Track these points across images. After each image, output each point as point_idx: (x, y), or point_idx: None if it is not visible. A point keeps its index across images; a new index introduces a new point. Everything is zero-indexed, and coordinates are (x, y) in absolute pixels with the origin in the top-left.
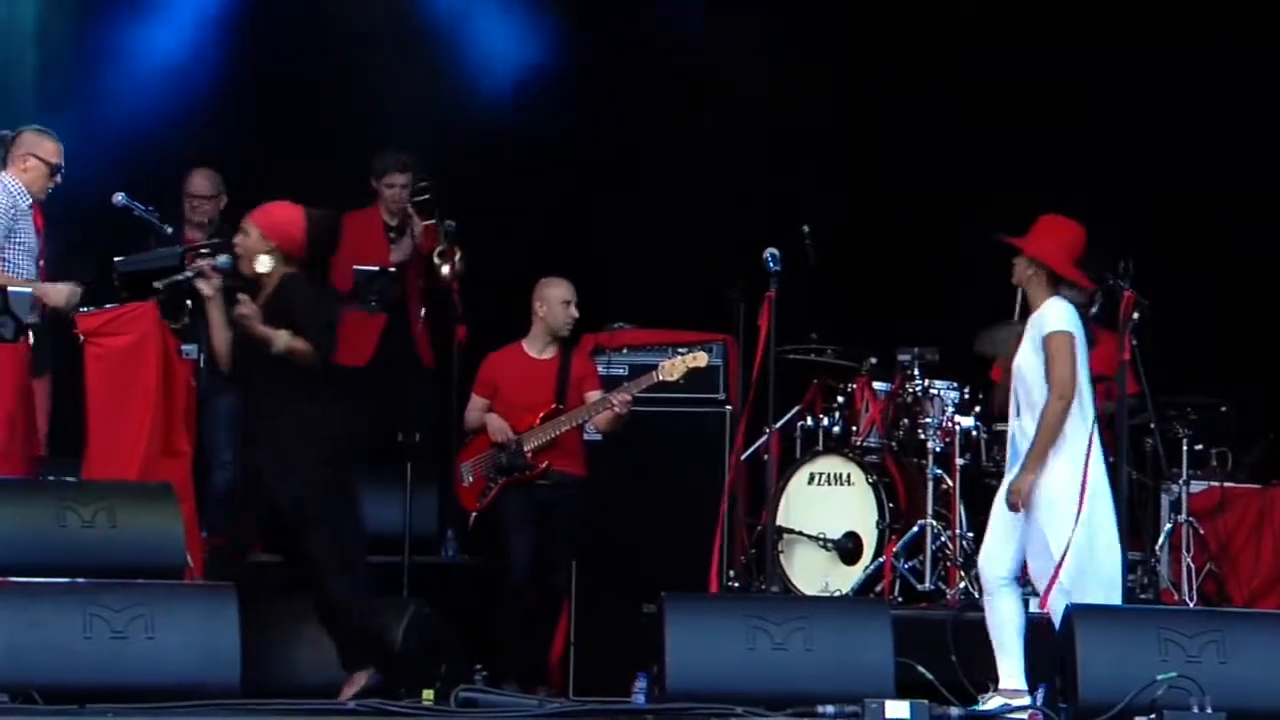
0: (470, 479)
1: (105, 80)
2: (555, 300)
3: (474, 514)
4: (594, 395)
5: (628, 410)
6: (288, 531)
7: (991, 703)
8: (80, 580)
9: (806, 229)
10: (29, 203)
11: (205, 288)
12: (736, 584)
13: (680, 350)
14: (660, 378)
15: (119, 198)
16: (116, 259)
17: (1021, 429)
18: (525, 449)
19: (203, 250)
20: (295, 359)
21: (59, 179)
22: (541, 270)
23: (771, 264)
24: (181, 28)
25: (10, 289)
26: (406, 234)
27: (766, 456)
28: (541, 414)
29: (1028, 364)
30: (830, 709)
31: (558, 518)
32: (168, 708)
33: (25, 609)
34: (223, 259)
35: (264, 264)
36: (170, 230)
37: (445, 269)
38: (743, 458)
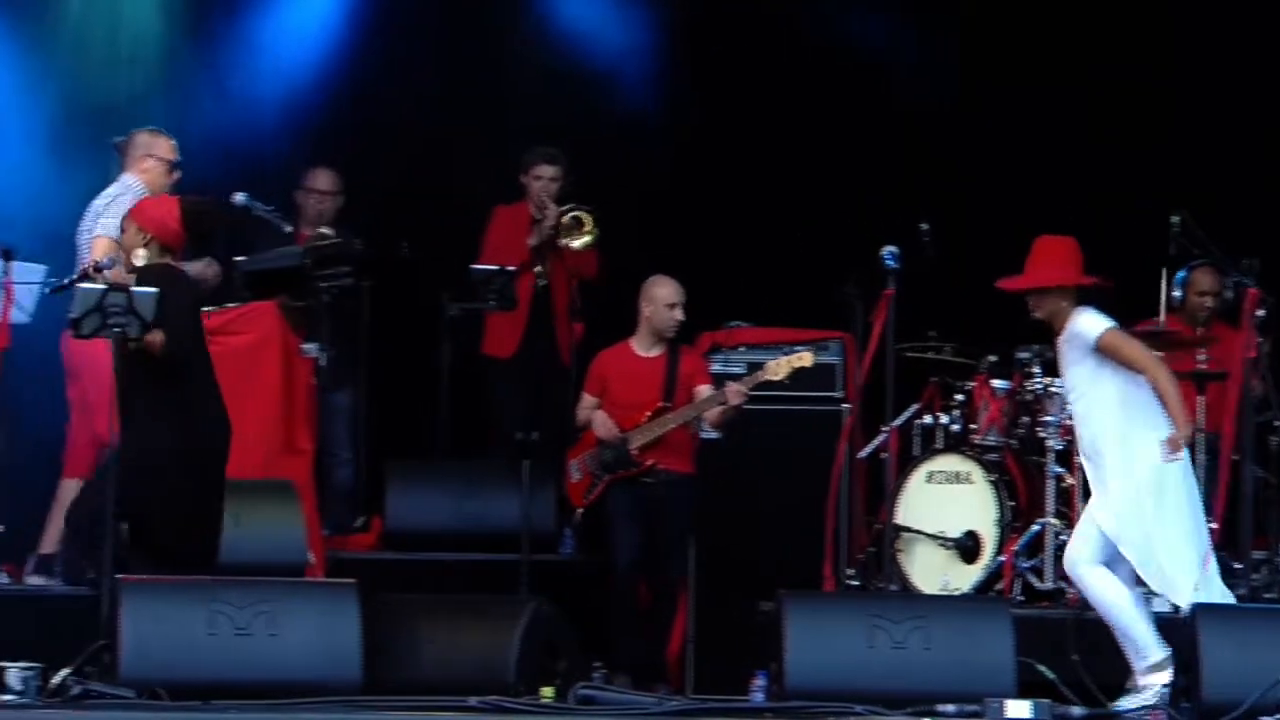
0: (578, 475)
1: (222, 81)
2: (660, 301)
3: (580, 510)
4: (703, 391)
5: (739, 407)
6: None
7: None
8: (204, 577)
9: (924, 226)
10: None
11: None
12: (855, 582)
13: (785, 350)
14: (766, 377)
15: (240, 197)
16: (238, 259)
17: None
18: (631, 446)
19: (326, 247)
20: (148, 349)
21: (177, 175)
22: (659, 267)
23: (889, 261)
24: (297, 28)
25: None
26: (541, 224)
27: (885, 455)
28: (649, 412)
29: (1075, 385)
30: (950, 708)
31: (664, 515)
32: (290, 704)
33: (151, 606)
34: (107, 258)
35: (140, 257)
36: (290, 230)
37: (575, 243)
38: (860, 456)
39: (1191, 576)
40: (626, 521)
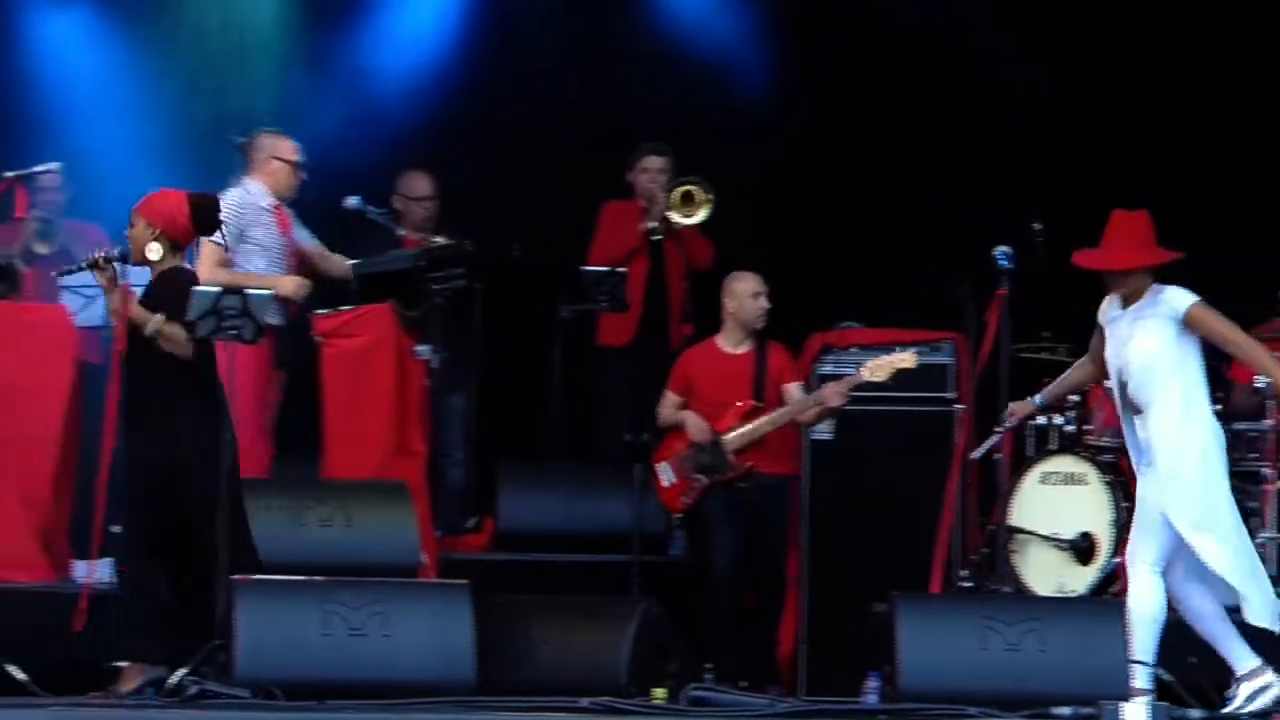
0: (672, 479)
1: (334, 83)
2: (744, 294)
3: (678, 515)
4: (792, 388)
5: (838, 407)
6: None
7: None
8: (318, 578)
9: (1037, 226)
10: (270, 204)
11: (101, 279)
12: (969, 584)
13: (884, 352)
14: (866, 378)
15: (352, 201)
16: (352, 262)
17: (1143, 424)
18: (727, 450)
19: (438, 250)
20: (167, 346)
21: (302, 175)
22: (769, 266)
23: (1002, 261)
24: (409, 30)
25: (249, 291)
26: (653, 217)
27: (998, 456)
28: (741, 413)
29: (1151, 351)
30: (1065, 711)
31: (764, 517)
32: (404, 704)
33: (266, 606)
34: (115, 249)
35: (154, 251)
36: (403, 233)
37: (690, 219)
38: (974, 456)
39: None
40: (724, 525)
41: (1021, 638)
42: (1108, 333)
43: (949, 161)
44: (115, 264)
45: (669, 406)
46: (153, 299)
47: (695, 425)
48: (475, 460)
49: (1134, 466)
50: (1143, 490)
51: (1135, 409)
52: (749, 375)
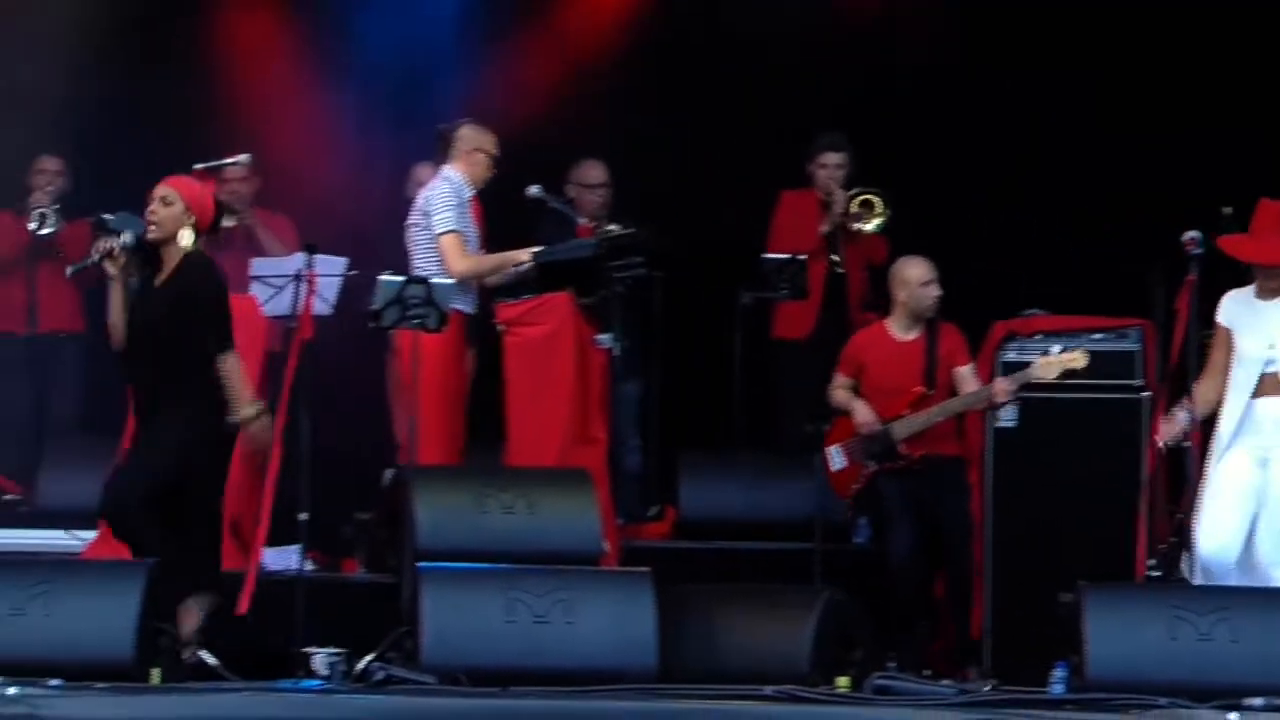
0: (843, 464)
1: (511, 70)
2: (915, 282)
3: (848, 501)
4: (963, 370)
5: (1003, 404)
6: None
7: None
8: (501, 565)
9: (1227, 210)
10: (470, 194)
11: (111, 268)
12: (1157, 573)
13: (1082, 338)
14: (1035, 376)
15: (534, 189)
16: (534, 250)
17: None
18: (897, 439)
19: (619, 238)
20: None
21: (495, 170)
22: (950, 254)
23: (1193, 247)
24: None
25: (433, 279)
26: (831, 210)
27: (1187, 444)
28: (910, 400)
29: None
30: (1258, 701)
31: (941, 502)
32: (587, 691)
33: (451, 594)
34: (127, 237)
35: (187, 237)
36: (583, 221)
37: (867, 226)
38: (1162, 445)
39: None
40: (901, 514)
41: (1212, 627)
42: (1240, 324)
43: (1139, 143)
44: (128, 249)
45: (840, 389)
46: (181, 287)
47: (863, 415)
48: (655, 448)
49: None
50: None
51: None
52: (919, 361)
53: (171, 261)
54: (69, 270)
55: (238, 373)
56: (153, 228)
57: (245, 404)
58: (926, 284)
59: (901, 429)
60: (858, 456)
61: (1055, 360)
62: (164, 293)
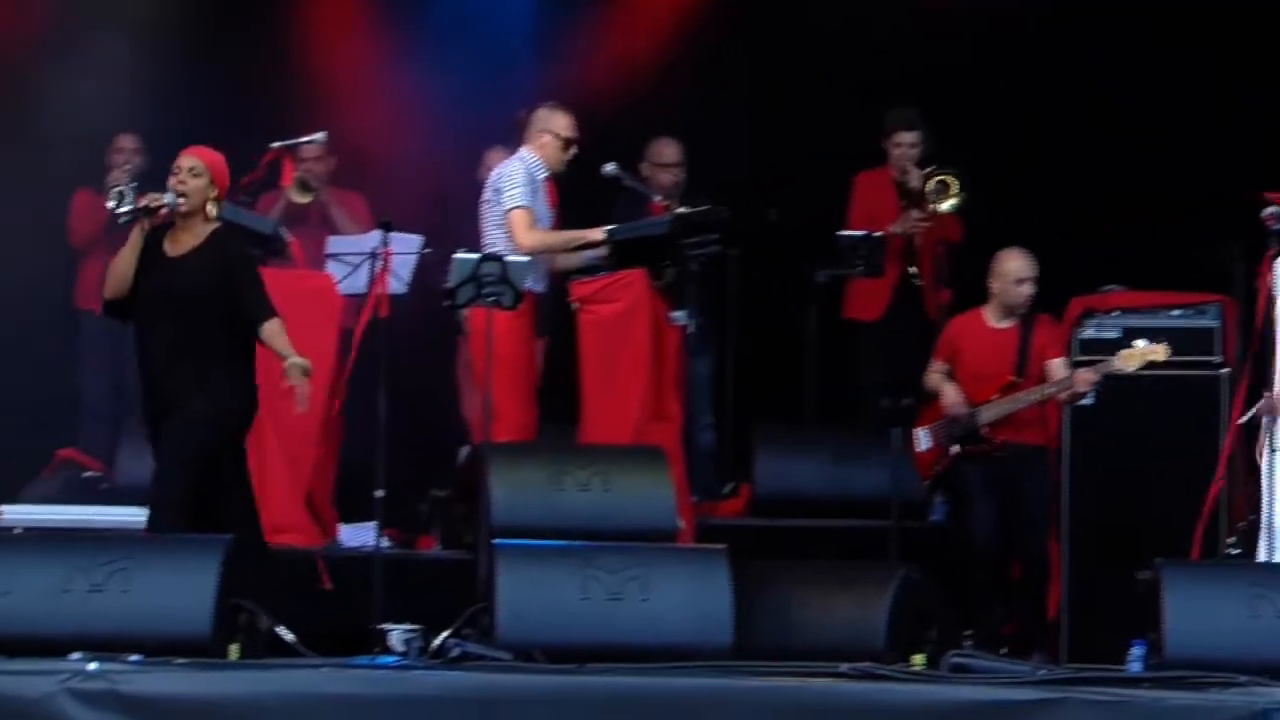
0: (927, 444)
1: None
2: (1009, 277)
3: (927, 482)
4: (1056, 363)
5: (1084, 393)
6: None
7: None
8: (576, 543)
9: None
10: (543, 175)
11: (145, 222)
12: (1236, 551)
13: (1148, 315)
14: (1117, 367)
15: (609, 167)
16: (609, 228)
17: None
18: (981, 422)
19: (693, 216)
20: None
21: (574, 151)
22: (1028, 231)
23: (1274, 223)
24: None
25: (508, 258)
26: (910, 190)
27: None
28: (999, 387)
29: None
30: None
31: (1020, 488)
32: (662, 668)
33: (526, 570)
34: (169, 197)
35: (214, 208)
36: (657, 199)
37: (942, 206)
38: (1240, 422)
39: None
40: (982, 497)
41: None
42: None
43: (1220, 118)
44: (172, 210)
45: (934, 374)
46: (222, 258)
47: (951, 397)
48: (729, 425)
49: None
50: None
51: None
52: (1012, 350)
53: (196, 232)
54: (110, 205)
55: (283, 331)
56: (183, 199)
57: (294, 354)
58: (1021, 281)
59: (987, 413)
60: (942, 438)
61: (1137, 353)
62: (198, 263)
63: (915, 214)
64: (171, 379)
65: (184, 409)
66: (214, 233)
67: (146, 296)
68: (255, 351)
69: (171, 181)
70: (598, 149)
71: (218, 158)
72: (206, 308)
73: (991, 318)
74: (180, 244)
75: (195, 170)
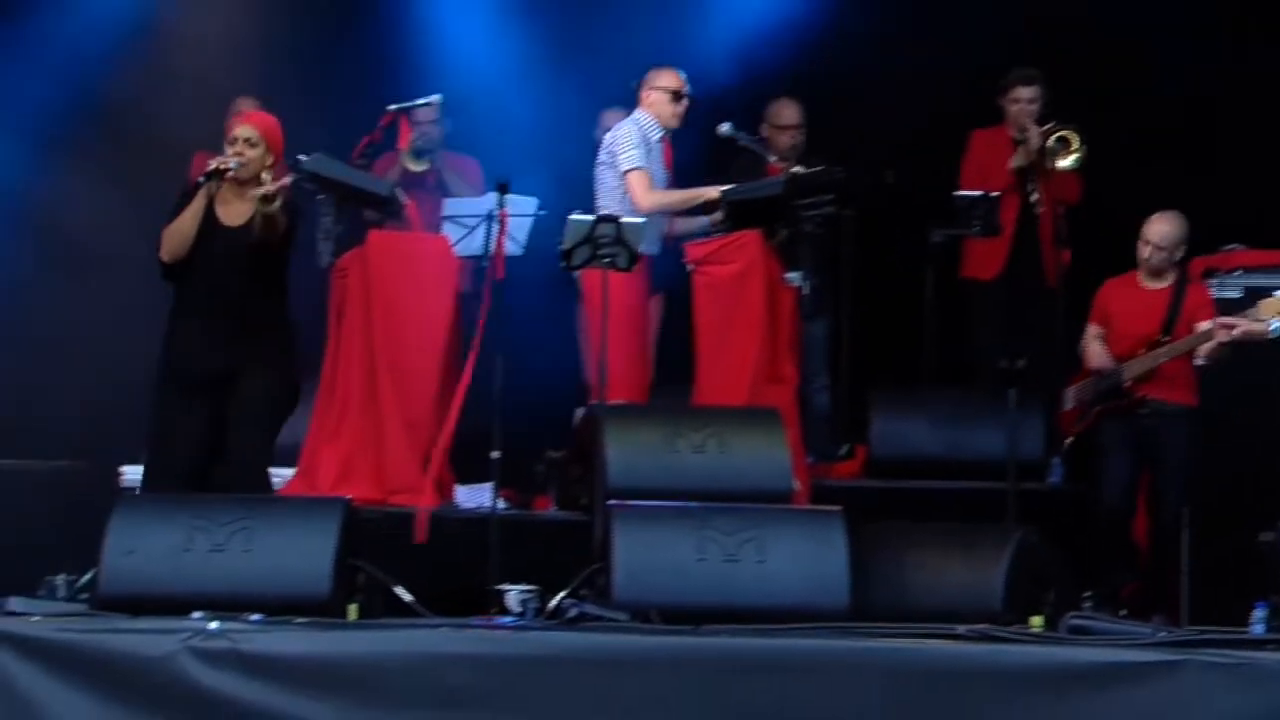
0: (1070, 404)
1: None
2: (1151, 241)
3: (1069, 439)
4: (1204, 325)
5: (1230, 341)
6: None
7: None
8: (692, 504)
9: None
10: (659, 136)
11: (209, 187)
12: None
13: (1274, 274)
14: (1254, 329)
15: (725, 127)
16: (724, 189)
17: None
18: (1124, 378)
19: (808, 177)
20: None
21: (685, 104)
22: (1148, 191)
23: None
24: None
25: (623, 219)
26: (1025, 146)
27: None
28: (1143, 343)
29: None
30: None
31: (1160, 447)
32: (778, 629)
33: (642, 532)
34: (234, 161)
35: (268, 178)
36: (774, 161)
37: (1062, 163)
38: None
39: None
40: (1117, 453)
41: None
42: None
43: None
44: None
45: (1088, 337)
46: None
47: (1096, 353)
48: (845, 387)
49: None
50: None
51: None
52: (1162, 310)
53: (251, 199)
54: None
55: None
56: (234, 170)
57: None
58: (1146, 244)
59: (1131, 369)
60: (1086, 395)
61: (1276, 301)
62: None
63: (1032, 144)
64: (231, 345)
65: (253, 378)
66: (285, 207)
67: (206, 262)
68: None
69: (228, 151)
70: (716, 110)
71: (274, 125)
72: (267, 275)
73: (1144, 278)
74: (236, 213)
75: (251, 140)
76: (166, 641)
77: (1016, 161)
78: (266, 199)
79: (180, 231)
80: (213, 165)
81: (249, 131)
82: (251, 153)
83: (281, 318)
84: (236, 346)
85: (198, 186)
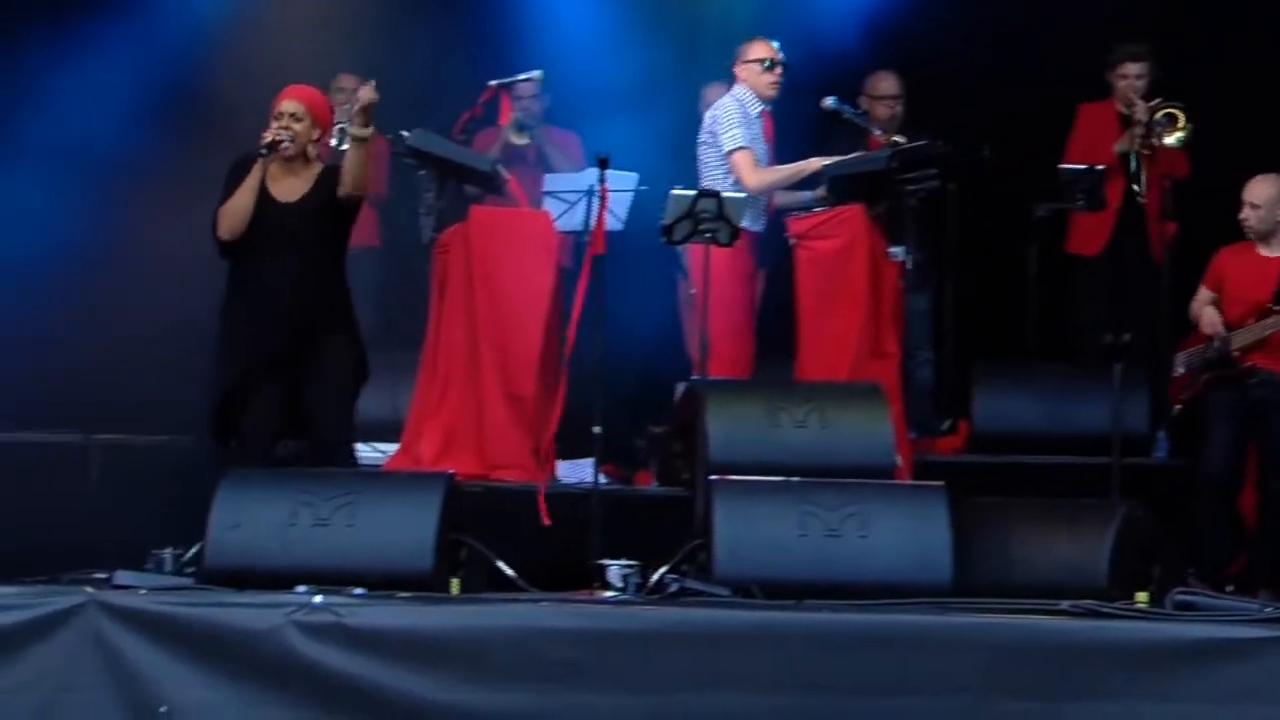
0: (1180, 370)
1: None
2: (1249, 199)
3: (1177, 407)
4: None
5: None
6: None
7: None
8: (794, 479)
9: None
10: (758, 110)
11: (266, 161)
12: None
13: None
14: None
15: (829, 101)
16: (826, 163)
17: None
18: (1233, 346)
19: (911, 151)
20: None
21: (779, 73)
22: (1252, 163)
23: None
24: None
25: (725, 194)
26: (1131, 122)
27: None
28: (1255, 311)
29: None
30: None
31: (1268, 418)
32: (880, 604)
33: (744, 507)
34: (286, 135)
35: (314, 152)
36: (879, 133)
37: (1168, 139)
38: None
39: None
40: (1223, 422)
41: None
42: None
43: None
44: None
45: (1199, 301)
46: (325, 198)
47: (1208, 319)
48: (948, 362)
49: None
50: None
51: None
52: (1275, 278)
53: (304, 176)
54: (332, 143)
55: None
56: (288, 144)
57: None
58: (1256, 206)
59: (1240, 337)
60: (1195, 363)
61: None
62: (313, 207)
63: (1138, 118)
64: (295, 323)
65: (326, 355)
66: (322, 174)
67: (264, 239)
68: None
69: (274, 127)
70: (818, 83)
71: (319, 98)
72: (327, 250)
73: (1259, 247)
74: (289, 189)
75: (297, 115)
76: (272, 615)
77: (1120, 146)
78: (358, 139)
79: (238, 208)
80: (267, 139)
81: (294, 106)
82: (298, 126)
83: (344, 292)
84: (300, 324)
85: (244, 165)
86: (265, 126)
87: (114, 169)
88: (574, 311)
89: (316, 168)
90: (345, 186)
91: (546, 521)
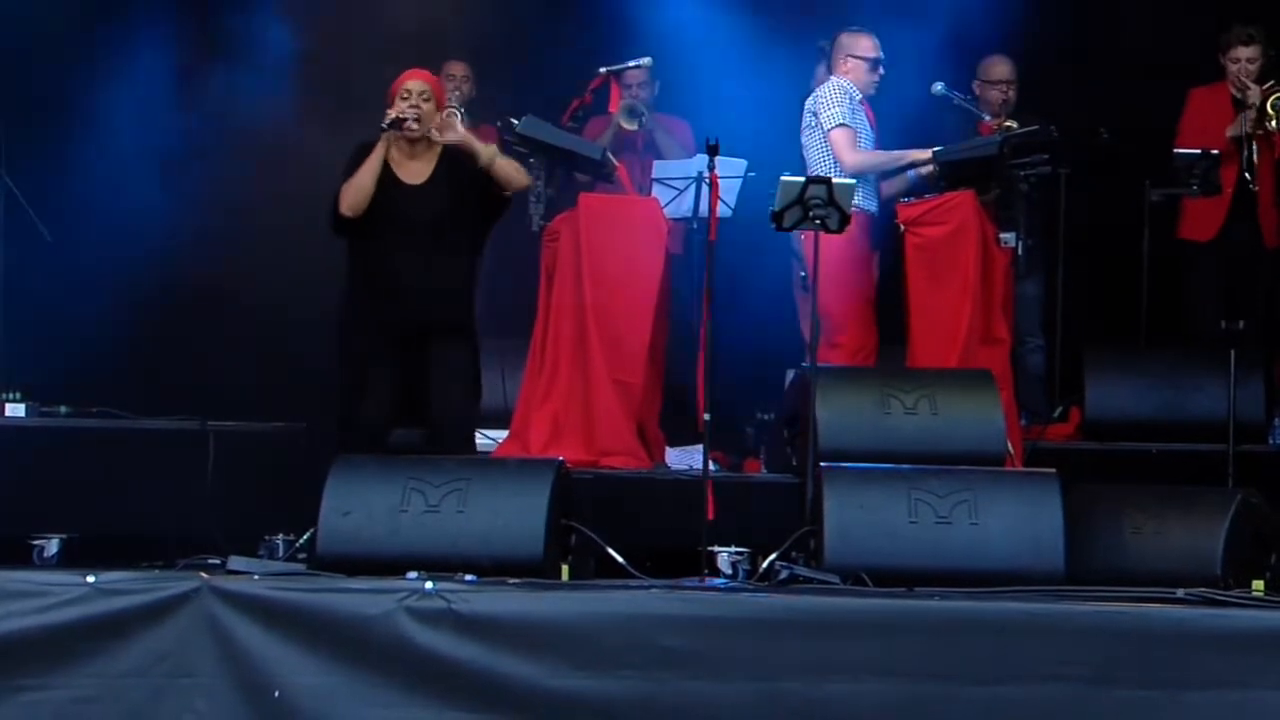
0: None
1: None
2: None
3: None
4: None
5: None
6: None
7: None
8: (904, 466)
9: None
10: (860, 97)
11: (390, 135)
12: None
13: None
14: None
15: (938, 86)
16: (936, 149)
17: None
18: None
19: (1022, 136)
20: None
21: (881, 72)
22: None
23: None
24: None
25: (835, 180)
26: (1243, 107)
27: None
28: None
29: None
30: None
31: None
32: (992, 592)
33: (853, 493)
34: (412, 113)
35: (437, 134)
36: (986, 119)
37: (1276, 126)
38: None
39: None
40: None
41: None
42: None
43: None
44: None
45: None
46: (462, 178)
47: None
48: (1058, 348)
49: None
50: None
51: None
52: None
53: (428, 157)
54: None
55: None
56: (416, 125)
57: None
58: None
59: None
60: None
61: None
62: (439, 188)
63: (1251, 115)
64: (420, 301)
65: (450, 339)
66: (444, 155)
67: (388, 221)
68: None
69: (403, 106)
70: (925, 68)
71: (438, 82)
72: (455, 230)
73: None
74: (412, 171)
75: (425, 95)
76: (383, 601)
77: (1232, 131)
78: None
79: (361, 185)
80: (392, 115)
81: (421, 86)
82: (427, 106)
83: (469, 279)
84: (422, 306)
85: (366, 150)
86: (385, 106)
87: (232, 157)
88: (703, 299)
89: (437, 149)
90: (507, 190)
91: (711, 516)
